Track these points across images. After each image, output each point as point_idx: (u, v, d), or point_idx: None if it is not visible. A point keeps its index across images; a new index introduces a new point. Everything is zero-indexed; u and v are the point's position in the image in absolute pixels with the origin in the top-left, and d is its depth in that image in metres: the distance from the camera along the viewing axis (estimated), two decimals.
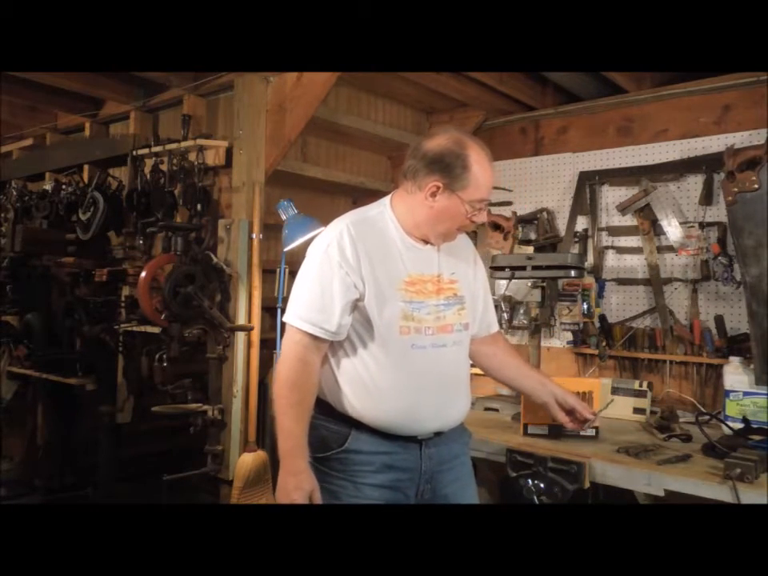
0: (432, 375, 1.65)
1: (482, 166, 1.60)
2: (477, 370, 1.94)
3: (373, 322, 1.59)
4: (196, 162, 2.96)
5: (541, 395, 1.92)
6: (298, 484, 1.51)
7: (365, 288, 1.58)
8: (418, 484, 1.66)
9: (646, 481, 1.82)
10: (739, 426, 2.20)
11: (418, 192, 1.62)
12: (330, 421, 1.65)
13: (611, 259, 3.11)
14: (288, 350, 1.60)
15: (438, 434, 1.68)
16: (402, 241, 1.65)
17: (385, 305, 1.59)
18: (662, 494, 1.79)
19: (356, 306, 1.60)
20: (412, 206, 1.64)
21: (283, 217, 2.75)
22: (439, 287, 1.67)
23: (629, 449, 2.00)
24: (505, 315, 3.24)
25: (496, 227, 3.28)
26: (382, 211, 1.68)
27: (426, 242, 1.67)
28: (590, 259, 3.12)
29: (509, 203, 3.40)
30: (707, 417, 2.41)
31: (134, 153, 3.23)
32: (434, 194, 1.60)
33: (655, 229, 2.95)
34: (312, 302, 1.59)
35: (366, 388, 1.61)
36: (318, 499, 1.54)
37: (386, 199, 1.71)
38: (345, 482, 1.61)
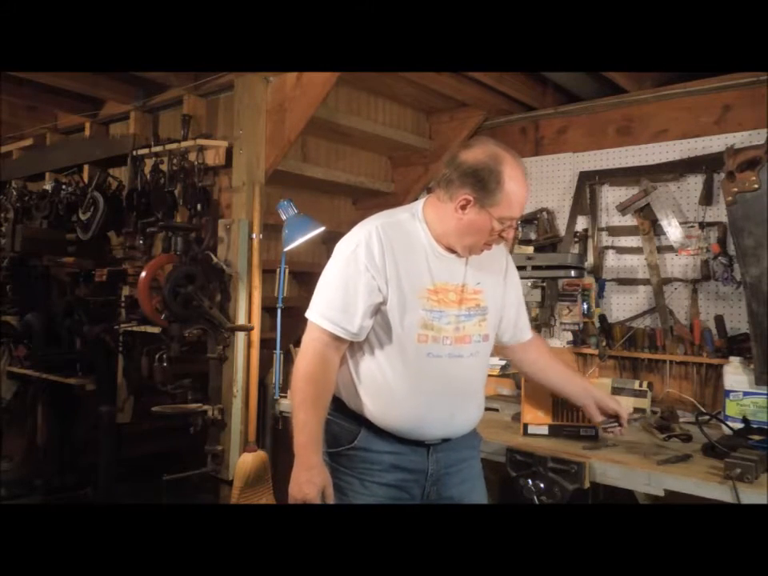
0: (445, 384, 1.65)
1: (517, 183, 1.57)
2: None
3: (393, 327, 1.59)
4: (196, 162, 2.96)
5: (582, 399, 1.96)
6: (310, 478, 1.52)
7: (388, 292, 1.58)
8: (424, 485, 1.67)
9: (646, 481, 1.82)
10: (739, 426, 2.20)
11: (448, 202, 1.60)
12: (342, 417, 1.67)
13: (611, 259, 3.11)
14: (308, 346, 1.61)
15: (446, 439, 1.69)
16: (430, 248, 1.63)
17: (406, 311, 1.59)
18: (661, 494, 1.79)
19: (378, 310, 1.60)
20: (442, 214, 1.62)
21: (283, 217, 2.75)
22: (462, 297, 1.65)
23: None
24: None
25: None
26: (413, 215, 1.66)
27: (454, 251, 1.66)
28: (590, 259, 3.12)
29: None
30: (707, 417, 2.41)
31: (134, 153, 3.24)
32: (463, 207, 1.57)
33: (655, 229, 2.95)
34: (335, 301, 1.59)
35: (380, 391, 1.62)
36: (330, 495, 1.55)
37: (418, 204, 1.69)
38: (352, 478, 1.63)
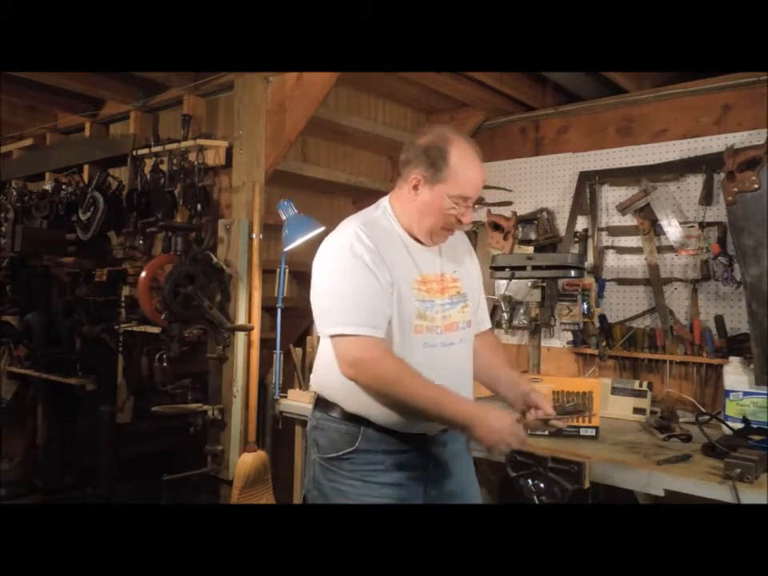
0: (441, 373, 1.63)
1: (465, 162, 1.59)
2: None
3: (392, 320, 1.59)
4: (196, 162, 2.96)
5: (510, 397, 1.77)
6: (504, 423, 1.51)
7: (392, 283, 1.59)
8: (426, 482, 1.67)
9: (646, 481, 1.82)
10: (739, 426, 2.20)
11: (404, 185, 1.64)
12: (340, 422, 1.64)
13: (611, 259, 3.11)
14: (367, 362, 1.54)
15: (444, 430, 1.69)
16: (407, 241, 1.66)
17: (403, 304, 1.59)
18: (661, 494, 1.79)
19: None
20: (403, 202, 1.66)
21: (283, 217, 2.75)
22: (443, 286, 1.68)
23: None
24: (505, 315, 3.25)
25: (496, 227, 3.28)
26: (384, 212, 1.68)
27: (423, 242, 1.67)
28: (590, 259, 3.12)
29: (509, 203, 3.40)
30: (707, 417, 2.41)
31: (134, 153, 3.23)
32: (415, 187, 1.61)
33: (655, 229, 2.95)
34: (361, 306, 1.55)
35: None
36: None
37: (385, 200, 1.71)
38: (355, 480, 1.61)
